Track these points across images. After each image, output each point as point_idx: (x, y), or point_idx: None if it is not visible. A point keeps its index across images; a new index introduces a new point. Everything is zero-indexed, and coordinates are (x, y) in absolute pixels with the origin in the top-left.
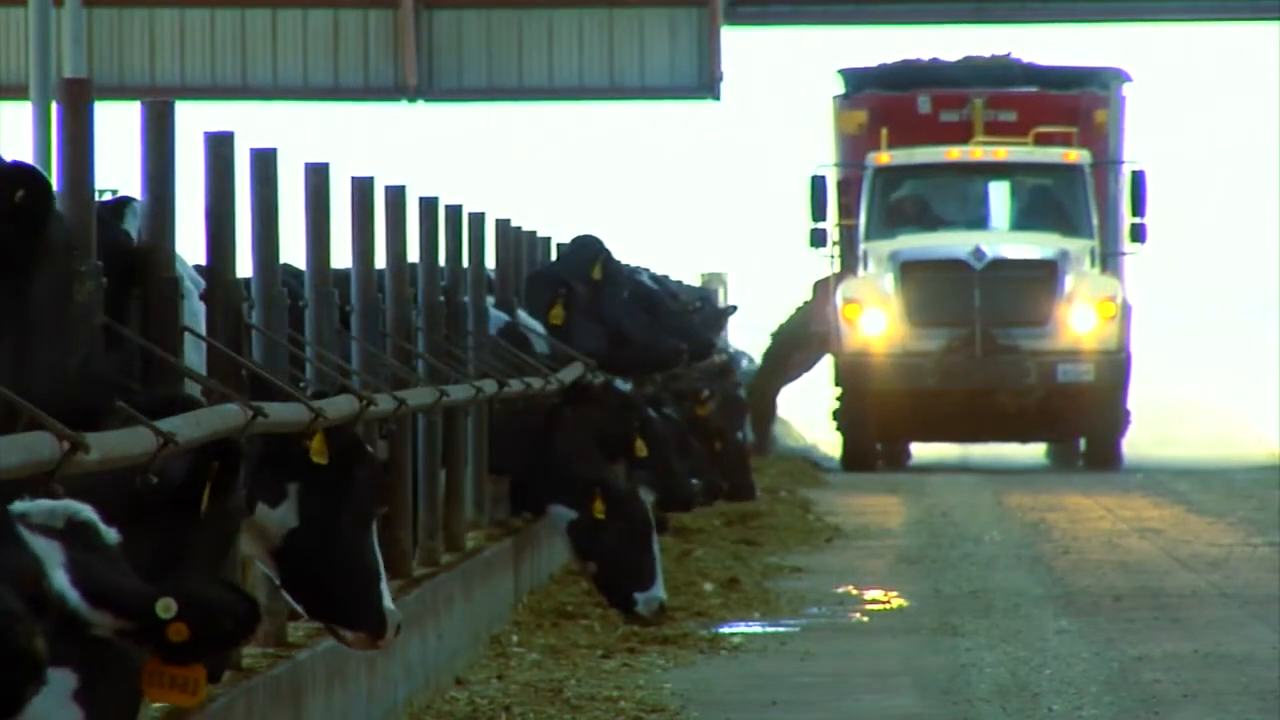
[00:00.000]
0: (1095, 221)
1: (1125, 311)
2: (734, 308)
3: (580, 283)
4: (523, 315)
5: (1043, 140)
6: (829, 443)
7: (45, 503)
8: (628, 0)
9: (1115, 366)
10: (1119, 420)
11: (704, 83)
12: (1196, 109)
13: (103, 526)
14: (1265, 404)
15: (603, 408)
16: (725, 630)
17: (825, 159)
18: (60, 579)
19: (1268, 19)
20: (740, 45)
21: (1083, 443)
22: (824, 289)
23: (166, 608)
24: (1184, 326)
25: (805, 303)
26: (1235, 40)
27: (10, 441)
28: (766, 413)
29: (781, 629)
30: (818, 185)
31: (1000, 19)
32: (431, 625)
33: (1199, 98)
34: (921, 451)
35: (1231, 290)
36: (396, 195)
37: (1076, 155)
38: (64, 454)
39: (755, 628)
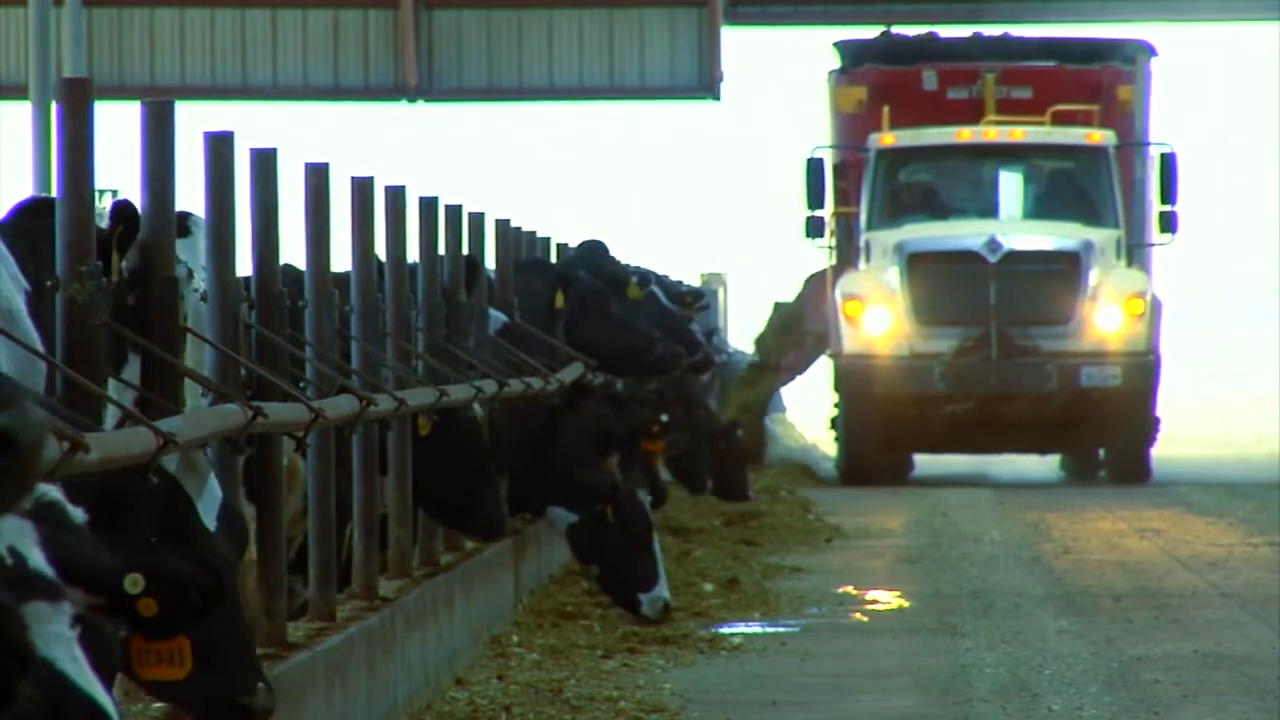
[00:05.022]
0: (1121, 209)
1: (1155, 309)
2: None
3: (581, 280)
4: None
5: (1062, 119)
6: (828, 442)
7: None
8: (628, 0)
9: (1144, 369)
10: (1147, 428)
11: (704, 83)
12: (1202, 102)
13: (70, 506)
14: (1265, 404)
15: (602, 408)
16: (725, 630)
17: (822, 141)
18: (36, 556)
19: (1268, 19)
20: (740, 45)
21: (1102, 453)
22: (819, 283)
23: (134, 582)
24: (1182, 324)
25: (798, 294)
26: (1239, 37)
27: None
28: (759, 418)
29: (781, 629)
30: (814, 169)
31: (1000, 19)
32: (431, 625)
33: (1210, 88)
34: (926, 463)
35: (1230, 289)
36: (396, 195)
37: (1099, 136)
38: (64, 454)
39: (755, 628)
